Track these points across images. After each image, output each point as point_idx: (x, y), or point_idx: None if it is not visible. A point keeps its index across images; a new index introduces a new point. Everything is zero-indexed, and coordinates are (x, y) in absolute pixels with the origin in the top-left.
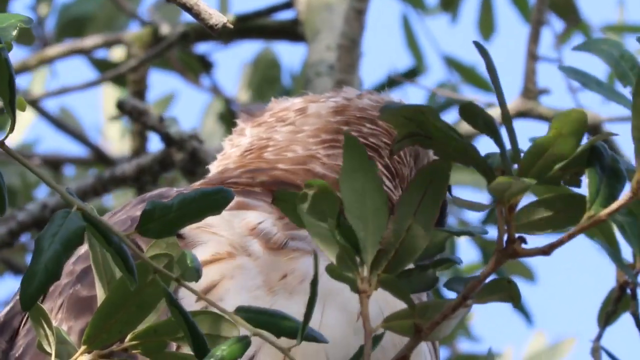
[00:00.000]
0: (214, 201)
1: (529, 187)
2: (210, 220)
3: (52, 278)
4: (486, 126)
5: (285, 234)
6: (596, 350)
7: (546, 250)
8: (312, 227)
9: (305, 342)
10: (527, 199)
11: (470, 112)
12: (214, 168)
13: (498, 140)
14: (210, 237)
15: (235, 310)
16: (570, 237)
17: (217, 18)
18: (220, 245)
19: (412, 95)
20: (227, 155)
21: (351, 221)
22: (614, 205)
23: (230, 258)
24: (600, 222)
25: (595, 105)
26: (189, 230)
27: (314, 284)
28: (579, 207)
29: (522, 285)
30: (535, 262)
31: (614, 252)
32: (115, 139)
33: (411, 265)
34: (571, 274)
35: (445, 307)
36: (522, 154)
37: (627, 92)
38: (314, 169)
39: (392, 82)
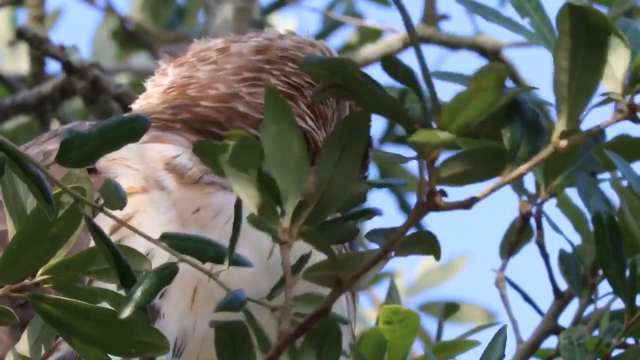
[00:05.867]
0: (131, 128)
1: (450, 141)
2: (124, 153)
3: None
4: (406, 78)
5: (201, 168)
6: (500, 280)
7: (467, 204)
8: (233, 178)
9: (212, 281)
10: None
11: (390, 64)
12: (136, 107)
13: (418, 92)
14: (124, 171)
15: (159, 237)
16: (492, 190)
17: None
18: (134, 178)
19: (306, 16)
20: (150, 94)
21: (271, 171)
22: (535, 159)
23: (144, 192)
24: (521, 175)
25: (493, 30)
26: (102, 162)
27: (238, 206)
28: (499, 161)
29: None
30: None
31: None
32: (6, 57)
33: (333, 216)
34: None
35: (366, 261)
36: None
37: (525, 22)
38: (237, 108)
39: (283, 1)
